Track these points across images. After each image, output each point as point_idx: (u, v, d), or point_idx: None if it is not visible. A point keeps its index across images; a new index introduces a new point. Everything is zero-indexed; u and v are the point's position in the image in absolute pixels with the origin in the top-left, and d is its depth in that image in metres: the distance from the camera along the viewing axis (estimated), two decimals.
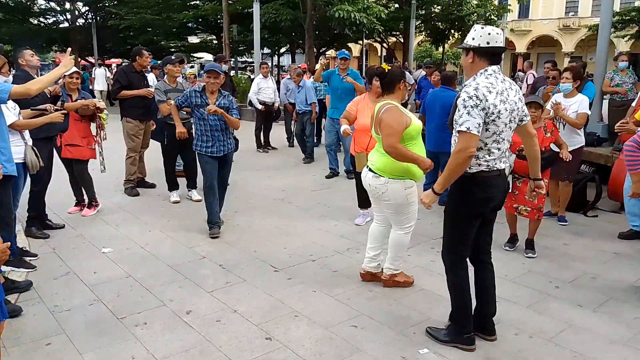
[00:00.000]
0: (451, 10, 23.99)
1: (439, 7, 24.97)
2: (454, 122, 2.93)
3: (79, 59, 24.50)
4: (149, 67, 8.47)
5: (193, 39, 30.23)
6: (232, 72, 20.20)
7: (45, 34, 26.88)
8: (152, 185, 7.12)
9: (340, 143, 8.20)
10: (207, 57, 31.05)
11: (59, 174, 5.72)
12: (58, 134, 5.38)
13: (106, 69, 19.39)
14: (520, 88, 4.99)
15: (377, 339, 3.29)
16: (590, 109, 5.79)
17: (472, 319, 3.19)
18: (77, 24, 26.12)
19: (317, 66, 8.44)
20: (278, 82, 11.94)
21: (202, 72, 5.43)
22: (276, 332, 3.37)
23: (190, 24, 25.44)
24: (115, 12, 23.87)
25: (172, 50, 24.03)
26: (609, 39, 7.92)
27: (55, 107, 4.76)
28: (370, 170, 3.82)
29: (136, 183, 6.93)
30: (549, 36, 40.36)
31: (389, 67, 3.84)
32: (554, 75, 6.60)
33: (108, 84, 17.32)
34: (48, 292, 3.93)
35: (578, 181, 5.99)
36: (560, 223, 5.67)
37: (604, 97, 8.22)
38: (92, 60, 21.25)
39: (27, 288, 3.94)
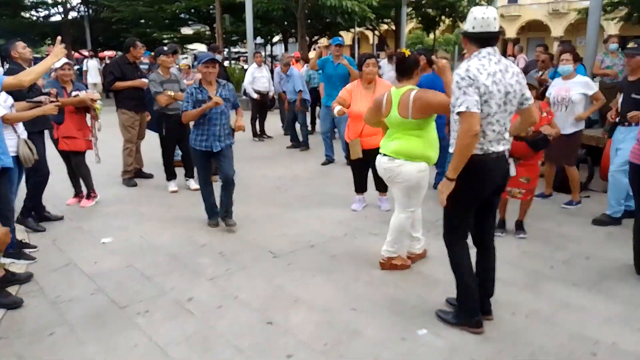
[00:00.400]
0: None
1: None
2: (451, 106, 2.95)
3: (72, 52, 24.28)
4: (142, 58, 8.44)
5: (186, 30, 29.99)
6: (226, 63, 20.13)
7: (38, 27, 26.57)
8: (150, 176, 7.15)
9: (336, 130, 8.24)
10: (201, 47, 30.85)
11: (57, 166, 5.71)
12: (51, 126, 5.36)
13: (98, 60, 19.21)
14: None
15: (376, 322, 3.34)
16: None
17: (478, 302, 3.21)
18: (70, 17, 25.86)
19: (311, 54, 8.43)
20: (272, 72, 11.90)
21: (196, 63, 5.36)
22: (277, 317, 3.41)
23: (182, 15, 25.29)
24: (108, 5, 23.68)
25: (166, 41, 23.87)
26: (599, 22, 7.95)
27: (50, 99, 4.74)
28: (384, 155, 3.89)
29: (134, 174, 6.94)
30: (538, 21, 40.15)
31: (409, 53, 3.89)
32: (543, 59, 6.64)
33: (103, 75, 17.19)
34: (49, 283, 3.95)
35: None
36: (570, 207, 5.63)
37: (594, 79, 8.27)
38: (86, 53, 21.04)
39: (28, 280, 3.95)
